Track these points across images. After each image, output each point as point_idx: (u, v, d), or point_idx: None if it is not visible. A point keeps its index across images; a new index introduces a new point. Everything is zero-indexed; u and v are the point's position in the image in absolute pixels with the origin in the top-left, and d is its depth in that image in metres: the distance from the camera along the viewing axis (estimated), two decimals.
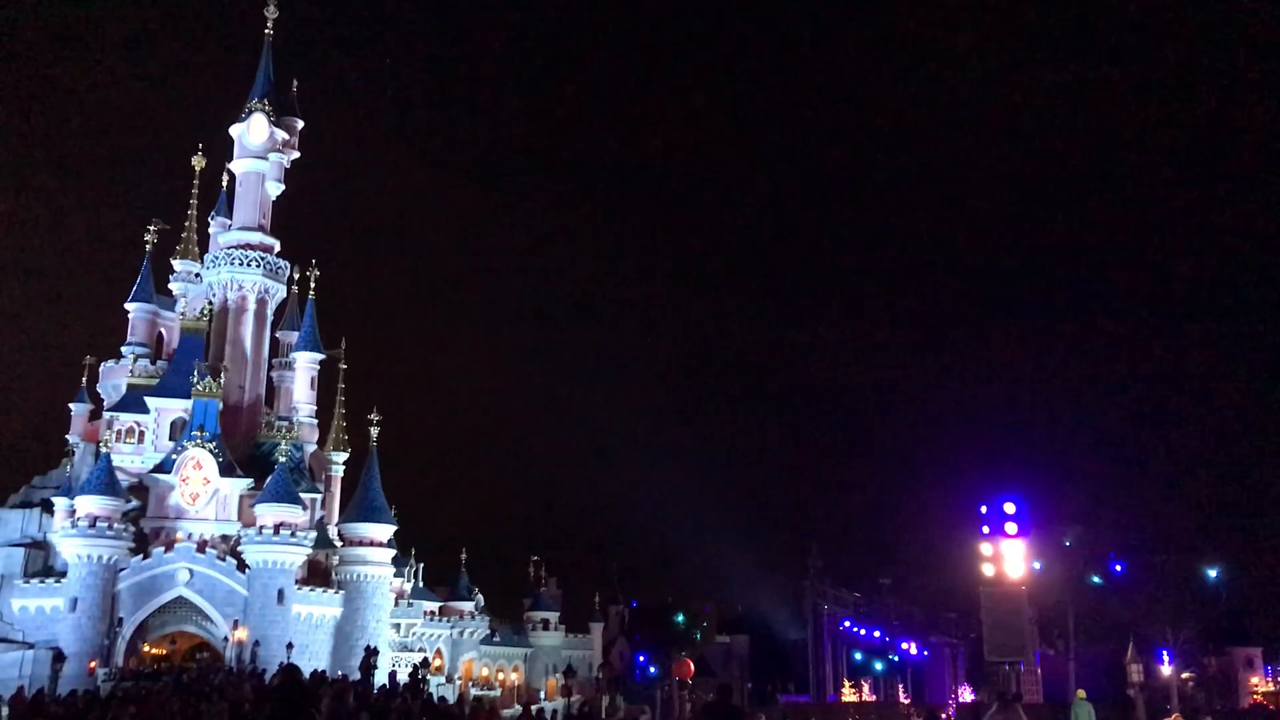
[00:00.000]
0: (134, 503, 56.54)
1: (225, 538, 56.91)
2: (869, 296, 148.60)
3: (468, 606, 69.91)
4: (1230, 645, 73.20)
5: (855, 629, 69.35)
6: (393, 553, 61.73)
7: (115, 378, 65.00)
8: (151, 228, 68.42)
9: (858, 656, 75.39)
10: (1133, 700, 32.32)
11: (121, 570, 54.20)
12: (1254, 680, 73.90)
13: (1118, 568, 53.52)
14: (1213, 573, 49.76)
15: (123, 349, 66.37)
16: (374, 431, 62.57)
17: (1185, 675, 62.25)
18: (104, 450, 56.50)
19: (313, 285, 68.49)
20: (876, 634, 70.40)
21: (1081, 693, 32.14)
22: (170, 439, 59.41)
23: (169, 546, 55.29)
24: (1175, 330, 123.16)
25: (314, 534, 58.30)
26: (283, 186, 68.75)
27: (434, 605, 67.91)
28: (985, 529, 18.05)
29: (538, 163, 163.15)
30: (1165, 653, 51.65)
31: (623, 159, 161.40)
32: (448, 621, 68.03)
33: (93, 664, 50.58)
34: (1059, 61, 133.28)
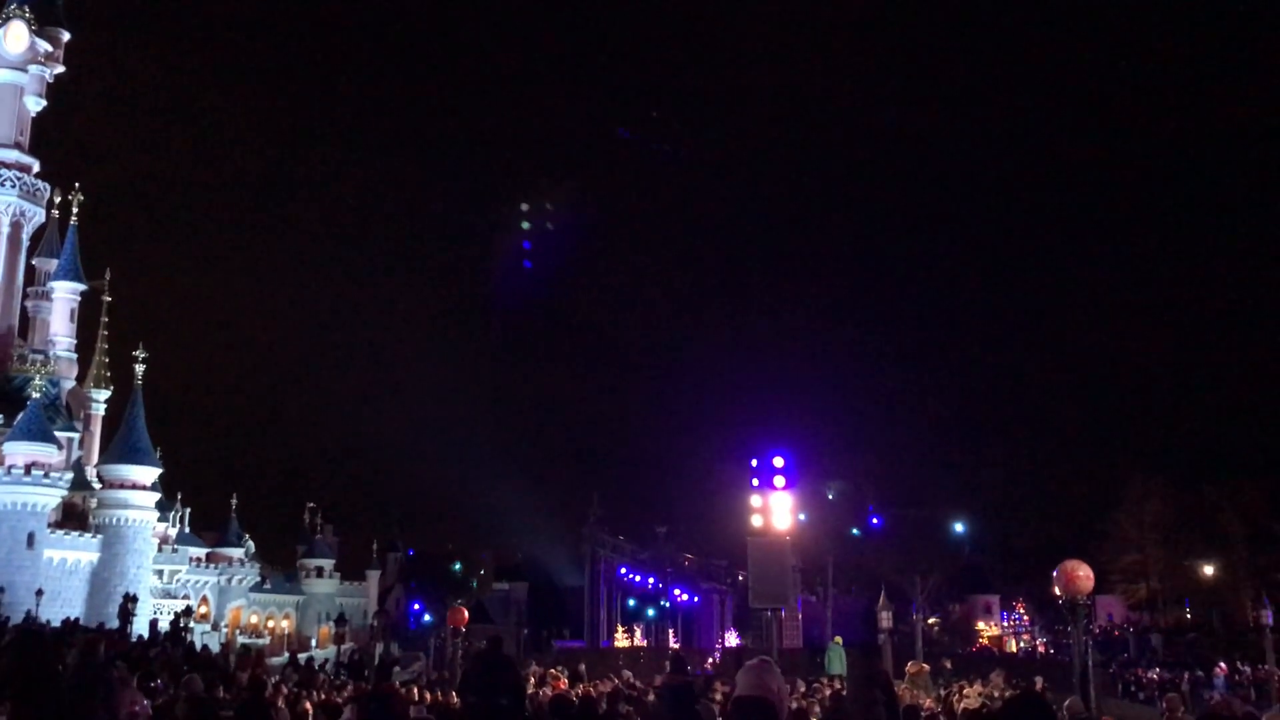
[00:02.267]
0: None
1: None
2: (652, 251, 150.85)
3: (237, 553, 68.02)
4: (971, 593, 79.29)
5: (631, 576, 71.02)
6: (157, 496, 59.63)
7: None
8: None
9: (632, 603, 77.39)
10: (880, 646, 34.54)
11: None
12: (981, 626, 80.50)
13: (875, 521, 57.07)
14: (958, 527, 53.68)
15: None
16: (139, 369, 60.01)
17: (931, 621, 67.11)
18: None
19: (75, 211, 64.38)
20: (651, 580, 72.37)
21: (838, 639, 33.99)
22: None
23: None
24: (933, 298, 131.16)
25: (70, 475, 55.67)
26: (44, 102, 64.05)
27: (201, 551, 65.91)
28: (755, 482, 18.67)
29: (325, 92, 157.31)
30: (914, 600, 55.41)
31: (404, 87, 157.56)
32: (215, 568, 66.08)
33: None
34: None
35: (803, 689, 21.85)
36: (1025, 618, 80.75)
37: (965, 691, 20.35)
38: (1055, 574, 17.03)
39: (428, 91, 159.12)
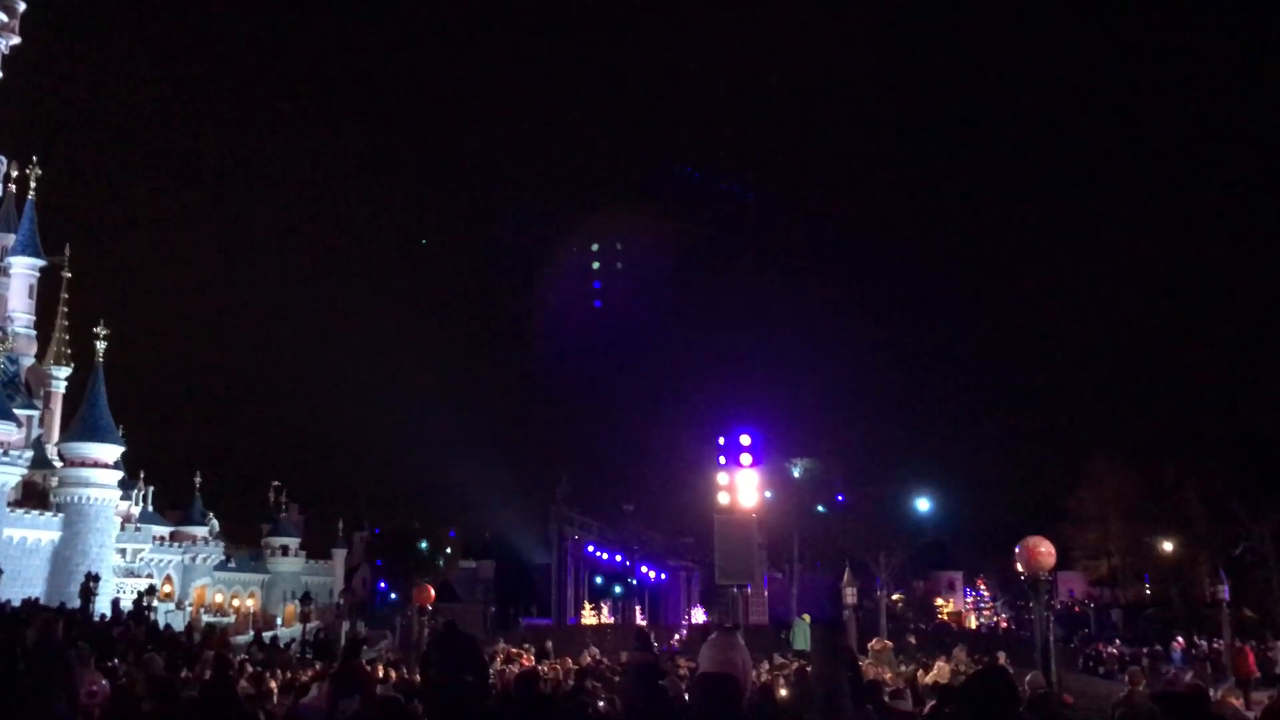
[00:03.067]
0: None
1: None
2: (616, 227, 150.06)
3: (201, 531, 67.58)
4: (935, 570, 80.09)
5: (598, 553, 71.19)
6: (119, 475, 59.08)
7: None
8: None
9: (599, 580, 77.59)
10: (845, 622, 34.83)
11: None
12: (939, 601, 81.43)
13: (840, 498, 57.43)
14: (922, 504, 54.06)
15: None
16: (100, 346, 59.27)
17: (896, 597, 67.71)
18: None
19: (33, 184, 63.44)
20: (618, 558, 72.57)
21: (807, 617, 34.16)
22: None
23: None
24: (899, 280, 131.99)
25: (30, 453, 55.04)
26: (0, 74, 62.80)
27: (164, 530, 65.45)
28: (722, 459, 18.66)
29: (289, 64, 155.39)
30: (878, 577, 55.87)
31: (363, 64, 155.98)
32: (179, 547, 65.65)
33: None
34: None
35: (780, 663, 22.02)
36: (988, 593, 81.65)
37: (938, 666, 20.54)
38: (1017, 550, 17.18)
39: (377, 52, 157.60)
